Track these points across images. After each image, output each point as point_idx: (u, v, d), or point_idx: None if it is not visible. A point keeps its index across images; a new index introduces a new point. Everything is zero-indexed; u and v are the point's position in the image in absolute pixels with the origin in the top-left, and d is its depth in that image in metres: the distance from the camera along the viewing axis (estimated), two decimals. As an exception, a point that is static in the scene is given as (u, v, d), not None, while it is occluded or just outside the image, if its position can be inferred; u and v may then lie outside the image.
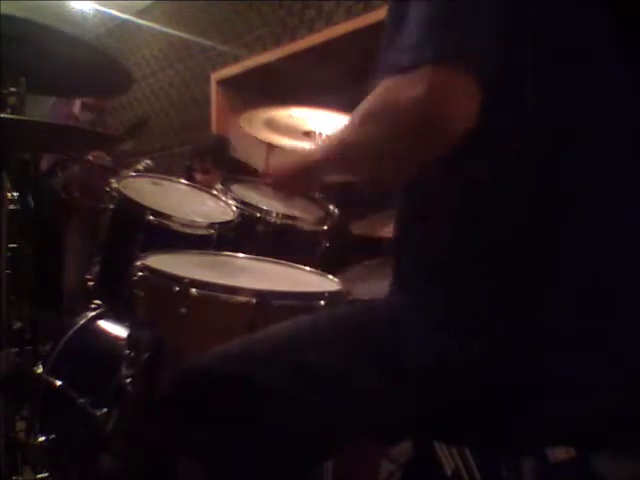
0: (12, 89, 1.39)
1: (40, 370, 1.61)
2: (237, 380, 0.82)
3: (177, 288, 1.10)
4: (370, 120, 0.76)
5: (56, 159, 3.31)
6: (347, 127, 0.82)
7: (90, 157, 3.12)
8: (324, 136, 0.90)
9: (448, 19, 0.68)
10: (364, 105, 0.77)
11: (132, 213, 1.50)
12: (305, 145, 0.97)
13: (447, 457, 1.10)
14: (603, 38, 0.74)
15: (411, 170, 0.80)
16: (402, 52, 0.71)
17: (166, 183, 1.77)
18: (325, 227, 1.67)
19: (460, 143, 0.69)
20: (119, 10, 4.94)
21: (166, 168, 2.76)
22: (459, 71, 0.67)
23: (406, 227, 0.87)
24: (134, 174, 1.88)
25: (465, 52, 0.67)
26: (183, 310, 1.09)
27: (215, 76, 4.24)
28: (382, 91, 0.74)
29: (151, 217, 1.47)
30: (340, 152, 0.84)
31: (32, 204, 1.65)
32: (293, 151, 1.02)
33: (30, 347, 1.98)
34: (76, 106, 3.39)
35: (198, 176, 2.84)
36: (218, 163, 2.80)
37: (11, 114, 1.36)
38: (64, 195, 3.25)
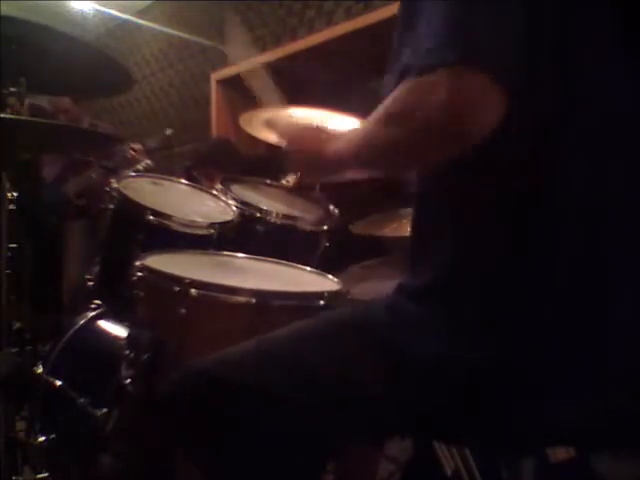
0: (12, 89, 1.39)
1: (40, 370, 1.61)
2: (236, 383, 0.82)
3: (177, 288, 1.10)
4: (391, 122, 0.75)
5: (65, 164, 3.30)
6: (368, 127, 0.81)
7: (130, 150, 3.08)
8: (343, 130, 0.89)
9: (468, 20, 0.68)
10: (385, 105, 0.76)
11: (132, 213, 1.50)
12: (322, 124, 0.96)
13: (447, 457, 1.10)
14: (606, 37, 0.74)
15: (426, 170, 0.80)
16: (421, 53, 0.70)
17: (166, 183, 1.77)
18: (325, 227, 1.67)
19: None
20: (119, 10, 4.94)
21: (166, 168, 2.76)
22: (482, 74, 0.66)
23: (421, 228, 0.88)
24: (134, 174, 1.88)
25: (487, 56, 0.67)
26: (183, 310, 1.09)
27: (215, 76, 4.24)
28: (403, 93, 0.73)
29: (151, 217, 1.47)
30: (360, 152, 0.83)
31: (33, 204, 1.65)
32: (314, 132, 0.99)
33: (30, 347, 1.98)
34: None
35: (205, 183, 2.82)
36: (221, 167, 2.78)
37: (11, 114, 1.36)
38: (77, 201, 3.24)
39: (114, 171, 2.59)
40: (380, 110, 0.77)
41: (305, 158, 0.98)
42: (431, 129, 0.70)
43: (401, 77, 0.72)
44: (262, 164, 2.80)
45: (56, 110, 3.20)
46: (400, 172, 0.83)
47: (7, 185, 1.44)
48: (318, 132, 0.98)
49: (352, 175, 0.90)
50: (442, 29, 0.68)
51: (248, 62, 1.11)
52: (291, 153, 1.05)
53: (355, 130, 0.85)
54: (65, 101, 3.08)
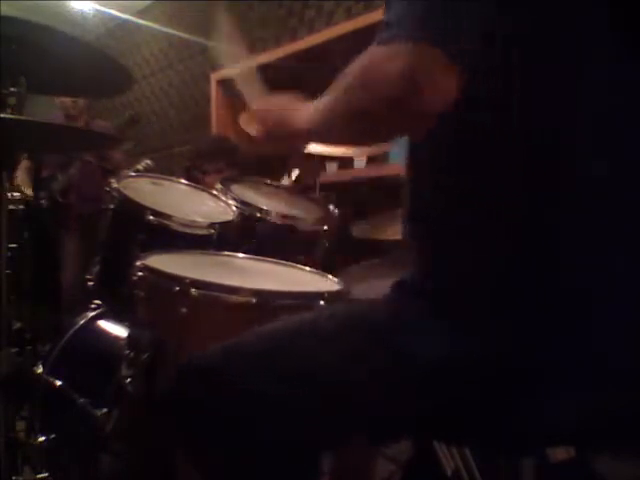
0: (12, 89, 1.39)
1: (40, 370, 1.61)
2: (235, 384, 0.82)
3: (177, 288, 1.10)
4: (352, 89, 0.78)
5: (60, 162, 3.32)
6: (331, 94, 0.82)
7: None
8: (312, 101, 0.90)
9: (445, 11, 0.70)
10: (349, 72, 0.78)
11: (132, 213, 1.50)
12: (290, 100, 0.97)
13: (447, 457, 1.10)
14: (594, 38, 0.74)
15: (390, 140, 0.82)
16: (387, 25, 0.73)
17: (166, 183, 1.77)
18: (325, 227, 1.67)
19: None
20: (119, 10, 4.94)
21: (166, 168, 2.76)
22: (439, 51, 0.68)
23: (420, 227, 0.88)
24: (134, 174, 1.88)
25: (446, 35, 0.69)
26: (183, 310, 1.09)
27: (215, 76, 4.24)
28: (365, 60, 0.76)
29: (151, 217, 1.47)
30: (325, 117, 0.85)
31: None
32: (282, 102, 1.00)
33: (30, 347, 1.98)
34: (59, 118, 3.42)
35: (207, 178, 2.82)
36: (224, 162, 2.78)
37: (11, 114, 1.36)
38: (61, 199, 3.26)
39: (111, 171, 2.60)
40: (345, 75, 0.79)
41: (273, 120, 0.98)
42: (386, 99, 0.72)
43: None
44: (262, 163, 2.80)
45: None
46: (364, 141, 0.84)
47: (7, 185, 1.43)
48: (289, 100, 0.99)
49: (319, 143, 0.91)
50: (407, 7, 0.72)
51: (241, 64, 1.11)
52: (259, 114, 1.04)
53: (322, 98, 0.86)
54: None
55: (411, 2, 0.73)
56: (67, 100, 3.43)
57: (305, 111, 0.89)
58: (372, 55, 0.75)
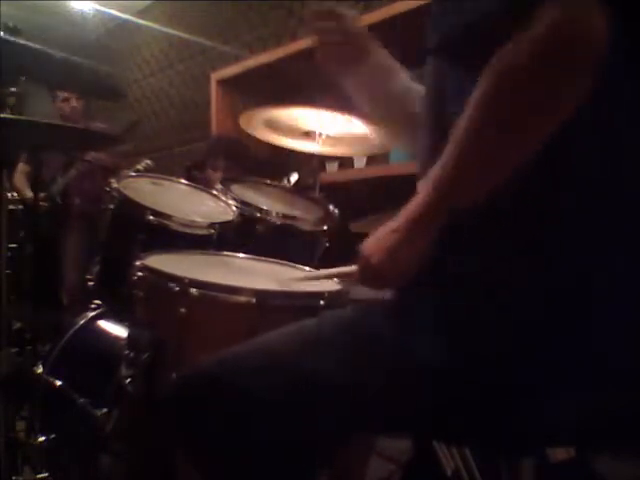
0: (12, 89, 1.39)
1: (40, 370, 1.61)
2: (236, 385, 0.81)
3: (177, 288, 1.09)
4: (488, 95, 0.70)
5: (60, 164, 3.33)
6: (456, 137, 0.73)
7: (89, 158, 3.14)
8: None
9: None
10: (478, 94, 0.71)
11: (132, 213, 1.50)
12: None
13: (447, 457, 1.10)
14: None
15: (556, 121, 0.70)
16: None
17: (166, 183, 1.77)
18: (325, 227, 1.67)
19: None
20: (119, 10, 4.94)
21: (166, 168, 2.76)
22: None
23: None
24: (134, 174, 1.88)
25: None
26: (183, 310, 1.09)
27: (215, 76, 4.24)
28: (495, 64, 0.69)
29: (151, 217, 1.47)
30: (460, 157, 0.73)
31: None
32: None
33: (30, 347, 1.98)
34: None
35: (213, 174, 2.81)
36: (235, 162, 2.78)
37: (11, 114, 1.36)
38: (61, 202, 3.26)
39: (111, 171, 2.60)
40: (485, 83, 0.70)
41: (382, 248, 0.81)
42: (546, 56, 0.67)
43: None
44: (266, 165, 2.80)
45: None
46: (534, 132, 0.72)
47: (7, 185, 1.43)
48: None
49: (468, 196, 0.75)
50: None
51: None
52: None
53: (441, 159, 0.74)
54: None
55: None
56: (65, 105, 3.44)
57: (420, 193, 0.77)
58: (503, 53, 0.69)
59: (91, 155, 3.21)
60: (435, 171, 0.75)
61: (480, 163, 0.73)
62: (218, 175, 2.70)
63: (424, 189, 0.76)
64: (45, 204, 3.18)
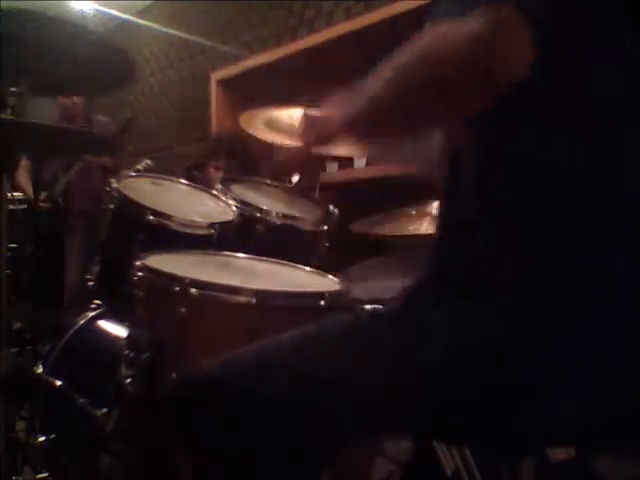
0: (12, 89, 1.39)
1: (40, 370, 1.61)
2: (237, 386, 0.81)
3: (177, 288, 1.10)
4: (411, 64, 0.72)
5: (61, 165, 3.33)
6: (379, 76, 0.75)
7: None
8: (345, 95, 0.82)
9: None
10: (403, 52, 0.72)
11: (132, 213, 1.50)
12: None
13: (447, 457, 1.10)
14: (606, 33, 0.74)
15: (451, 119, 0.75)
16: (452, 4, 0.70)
17: (166, 183, 1.77)
18: (325, 227, 1.67)
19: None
20: (119, 10, 4.94)
21: (166, 168, 2.76)
22: (512, 10, 0.65)
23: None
24: (134, 174, 1.88)
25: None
26: (183, 310, 1.09)
27: (215, 76, 4.24)
28: (426, 36, 0.71)
29: (151, 217, 1.47)
30: (374, 105, 0.76)
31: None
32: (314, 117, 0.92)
33: (30, 347, 1.98)
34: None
35: (213, 174, 2.81)
36: (237, 160, 2.77)
37: (11, 115, 1.36)
38: (62, 203, 3.26)
39: (111, 171, 2.60)
40: (394, 57, 0.73)
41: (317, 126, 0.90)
42: (463, 61, 0.68)
43: None
44: (266, 164, 2.80)
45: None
46: (422, 125, 0.77)
47: (7, 185, 1.43)
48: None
49: (363, 138, 0.84)
50: None
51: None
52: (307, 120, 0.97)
53: (366, 83, 0.76)
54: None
55: None
56: (67, 101, 3.44)
57: (345, 106, 0.81)
58: (434, 30, 0.70)
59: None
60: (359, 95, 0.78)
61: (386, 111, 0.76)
62: (218, 175, 2.70)
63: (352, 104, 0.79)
64: (46, 204, 3.18)
